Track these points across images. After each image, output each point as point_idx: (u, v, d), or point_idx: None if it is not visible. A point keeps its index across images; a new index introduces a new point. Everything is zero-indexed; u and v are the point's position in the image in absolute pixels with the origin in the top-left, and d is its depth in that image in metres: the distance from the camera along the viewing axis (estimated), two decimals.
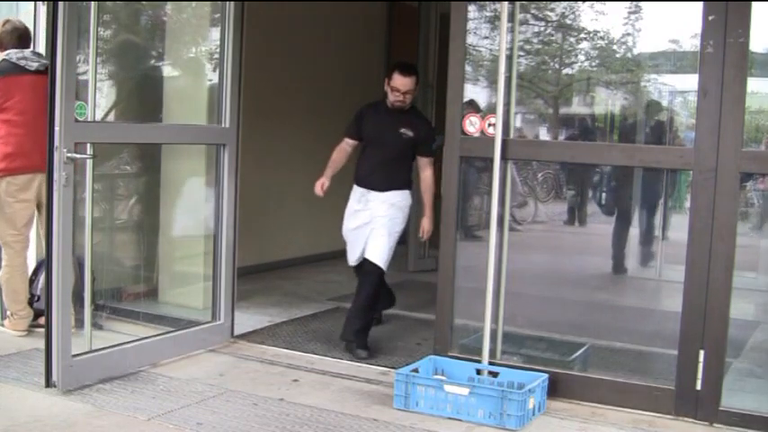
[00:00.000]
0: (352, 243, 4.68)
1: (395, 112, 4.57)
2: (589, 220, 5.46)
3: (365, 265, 4.59)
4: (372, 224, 4.58)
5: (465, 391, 3.56)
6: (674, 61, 4.83)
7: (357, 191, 4.68)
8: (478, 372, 3.84)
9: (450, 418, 3.58)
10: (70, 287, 3.74)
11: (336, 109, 7.22)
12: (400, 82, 4.49)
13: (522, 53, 4.35)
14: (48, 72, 4.44)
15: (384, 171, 4.59)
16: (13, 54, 4.46)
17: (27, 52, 4.50)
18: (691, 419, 3.61)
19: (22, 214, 4.49)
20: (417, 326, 5.13)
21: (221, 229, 4.53)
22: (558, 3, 4.62)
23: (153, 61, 5.44)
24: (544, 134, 5.33)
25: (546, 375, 3.75)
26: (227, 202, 4.53)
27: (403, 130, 4.54)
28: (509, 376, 3.76)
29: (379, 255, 4.52)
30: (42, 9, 4.97)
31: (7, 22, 4.60)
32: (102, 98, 4.79)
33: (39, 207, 4.54)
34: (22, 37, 4.56)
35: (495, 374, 3.82)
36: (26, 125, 4.40)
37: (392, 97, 4.53)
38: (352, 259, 4.72)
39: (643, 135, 5.05)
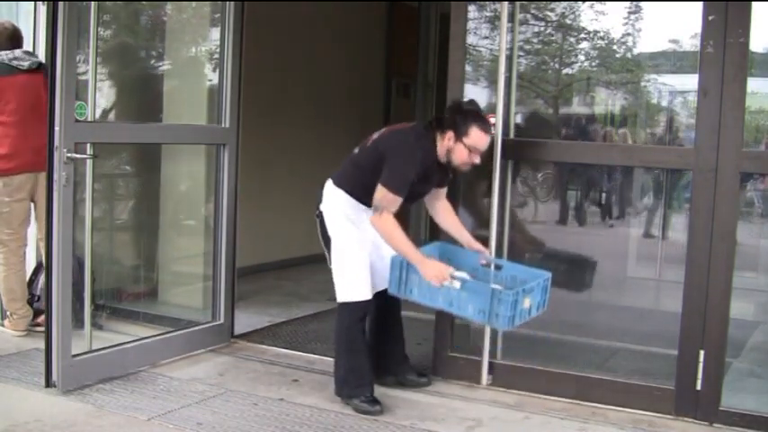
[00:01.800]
0: (381, 267, 3.69)
1: (440, 165, 3.62)
2: (589, 219, 5.47)
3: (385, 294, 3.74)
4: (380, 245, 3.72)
5: (456, 284, 3.43)
6: (674, 61, 4.84)
7: (358, 206, 3.67)
8: (485, 265, 3.70)
9: (447, 417, 3.59)
10: (70, 287, 3.74)
11: (336, 109, 7.25)
12: (483, 141, 3.50)
13: (522, 53, 4.36)
14: (40, 69, 4.50)
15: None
16: (3, 55, 4.48)
17: (18, 52, 4.52)
18: (691, 419, 3.61)
19: (18, 213, 4.50)
20: (417, 326, 5.12)
21: (221, 228, 4.53)
22: (557, 3, 4.63)
23: (153, 61, 5.44)
24: (544, 134, 5.33)
25: (548, 275, 3.54)
26: (227, 202, 4.53)
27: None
28: (512, 271, 3.63)
29: None
30: (42, 9, 4.97)
31: None
32: (102, 98, 4.79)
33: (35, 204, 4.55)
34: (12, 38, 4.58)
35: (499, 267, 3.69)
36: (18, 125, 4.43)
37: (463, 159, 3.52)
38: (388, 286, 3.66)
39: (643, 135, 5.06)
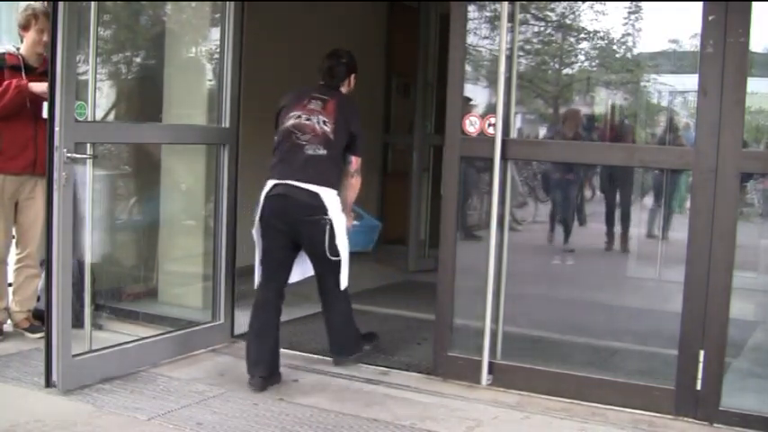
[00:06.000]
0: None
1: None
2: (589, 219, 5.46)
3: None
4: None
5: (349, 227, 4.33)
6: (674, 61, 4.83)
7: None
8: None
9: (447, 417, 3.59)
10: (70, 287, 3.74)
11: None
12: None
13: (522, 53, 4.36)
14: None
15: None
16: None
17: None
18: (691, 419, 3.61)
19: None
20: (417, 326, 5.13)
21: (221, 228, 4.54)
22: (557, 3, 4.62)
23: (153, 61, 5.44)
24: (544, 134, 5.33)
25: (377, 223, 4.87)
26: (227, 202, 4.53)
27: None
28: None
29: None
30: None
31: None
32: (102, 98, 4.79)
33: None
34: None
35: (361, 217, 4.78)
36: None
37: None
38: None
39: (643, 135, 5.06)
